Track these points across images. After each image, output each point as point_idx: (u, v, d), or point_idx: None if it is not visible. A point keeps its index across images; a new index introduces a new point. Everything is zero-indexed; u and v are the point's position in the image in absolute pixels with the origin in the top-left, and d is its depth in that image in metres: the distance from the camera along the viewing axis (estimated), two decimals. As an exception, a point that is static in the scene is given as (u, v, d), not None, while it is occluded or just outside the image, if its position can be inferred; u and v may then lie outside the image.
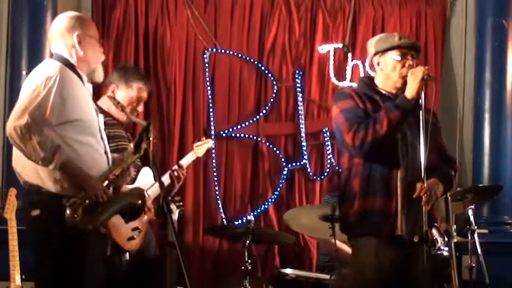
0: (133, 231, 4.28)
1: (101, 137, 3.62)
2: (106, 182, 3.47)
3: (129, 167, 3.63)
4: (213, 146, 5.47)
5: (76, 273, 3.44)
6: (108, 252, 4.02)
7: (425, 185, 3.43)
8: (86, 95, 3.59)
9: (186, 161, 4.98)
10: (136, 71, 4.89)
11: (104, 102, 4.46)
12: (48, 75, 3.43)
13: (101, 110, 4.28)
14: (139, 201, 3.57)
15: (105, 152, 3.63)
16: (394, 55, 3.66)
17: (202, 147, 5.12)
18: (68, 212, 3.32)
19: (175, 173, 4.78)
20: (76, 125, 3.47)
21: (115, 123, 4.40)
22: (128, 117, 4.08)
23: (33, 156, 3.34)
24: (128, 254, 4.26)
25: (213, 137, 5.86)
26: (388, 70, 3.68)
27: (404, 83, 3.58)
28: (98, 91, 5.28)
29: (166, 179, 4.75)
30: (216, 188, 5.86)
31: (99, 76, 3.70)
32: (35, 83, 3.43)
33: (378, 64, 3.73)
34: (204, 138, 5.32)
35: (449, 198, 3.67)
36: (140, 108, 4.73)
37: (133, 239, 4.22)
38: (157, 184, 4.54)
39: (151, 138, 3.46)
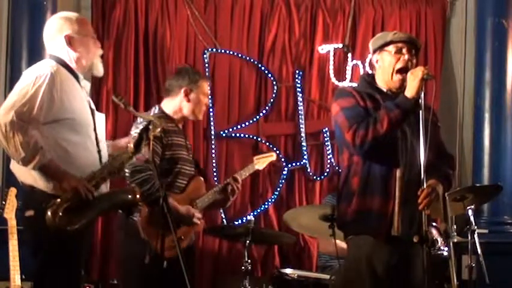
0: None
1: (96, 137, 3.61)
2: (94, 182, 3.46)
3: (121, 167, 3.59)
4: (275, 159, 5.18)
5: (70, 272, 3.45)
6: (147, 260, 3.98)
7: (424, 185, 3.43)
8: (79, 94, 3.59)
9: (243, 174, 4.74)
10: (196, 70, 4.82)
11: (169, 106, 4.43)
12: (38, 74, 3.45)
13: (163, 115, 4.27)
14: (131, 197, 3.53)
15: (98, 151, 3.61)
16: (390, 51, 3.67)
17: (264, 159, 4.94)
18: (48, 213, 3.32)
19: (230, 187, 4.58)
20: (66, 124, 3.47)
21: (175, 130, 4.37)
22: (133, 113, 4.00)
23: (14, 155, 3.36)
24: (165, 262, 4.15)
25: (213, 137, 5.86)
26: (385, 66, 3.68)
27: (403, 80, 3.59)
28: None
29: (217, 190, 4.57)
30: (216, 188, 5.86)
31: (98, 71, 3.71)
32: (26, 81, 3.45)
33: (377, 62, 3.73)
34: (267, 151, 5.24)
35: (447, 198, 3.66)
36: (209, 102, 4.64)
37: (174, 248, 4.10)
38: (208, 195, 4.49)
39: (151, 138, 3.46)
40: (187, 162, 4.38)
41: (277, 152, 5.98)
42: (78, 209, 3.37)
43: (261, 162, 4.93)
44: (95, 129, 3.62)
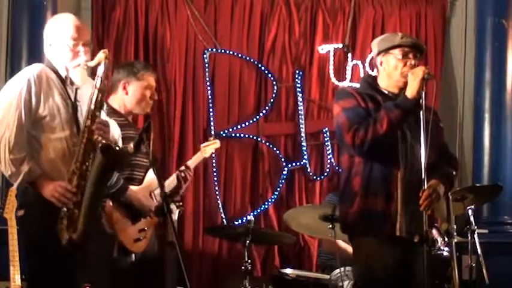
0: (140, 233, 4.28)
1: (77, 132, 3.58)
2: (76, 175, 3.42)
3: (87, 160, 3.54)
4: (219, 146, 5.29)
5: (65, 272, 3.45)
6: (115, 253, 4.02)
7: (425, 186, 3.43)
8: (57, 92, 3.54)
9: (193, 161, 4.92)
10: (140, 62, 4.91)
11: (114, 101, 4.45)
12: (20, 79, 3.50)
13: (112, 110, 4.28)
14: (104, 148, 3.42)
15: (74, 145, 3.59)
16: (396, 54, 3.66)
17: (209, 147, 5.06)
18: (62, 242, 3.36)
19: (183, 174, 4.73)
20: (44, 122, 3.48)
21: (125, 123, 4.38)
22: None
23: (4, 170, 3.46)
24: (133, 255, 4.26)
25: (213, 137, 5.85)
26: (390, 69, 3.67)
27: (406, 83, 3.58)
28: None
29: (173, 180, 4.70)
30: (216, 188, 5.86)
31: (76, 80, 3.59)
32: (9, 91, 3.49)
33: (381, 63, 3.72)
34: (211, 138, 5.28)
35: (450, 197, 3.66)
36: (155, 96, 4.68)
37: (139, 241, 4.22)
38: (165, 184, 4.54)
39: (151, 138, 3.46)
40: (142, 154, 4.39)
41: (277, 152, 6.00)
42: (72, 215, 3.38)
43: (207, 150, 5.04)
44: (76, 125, 3.56)
